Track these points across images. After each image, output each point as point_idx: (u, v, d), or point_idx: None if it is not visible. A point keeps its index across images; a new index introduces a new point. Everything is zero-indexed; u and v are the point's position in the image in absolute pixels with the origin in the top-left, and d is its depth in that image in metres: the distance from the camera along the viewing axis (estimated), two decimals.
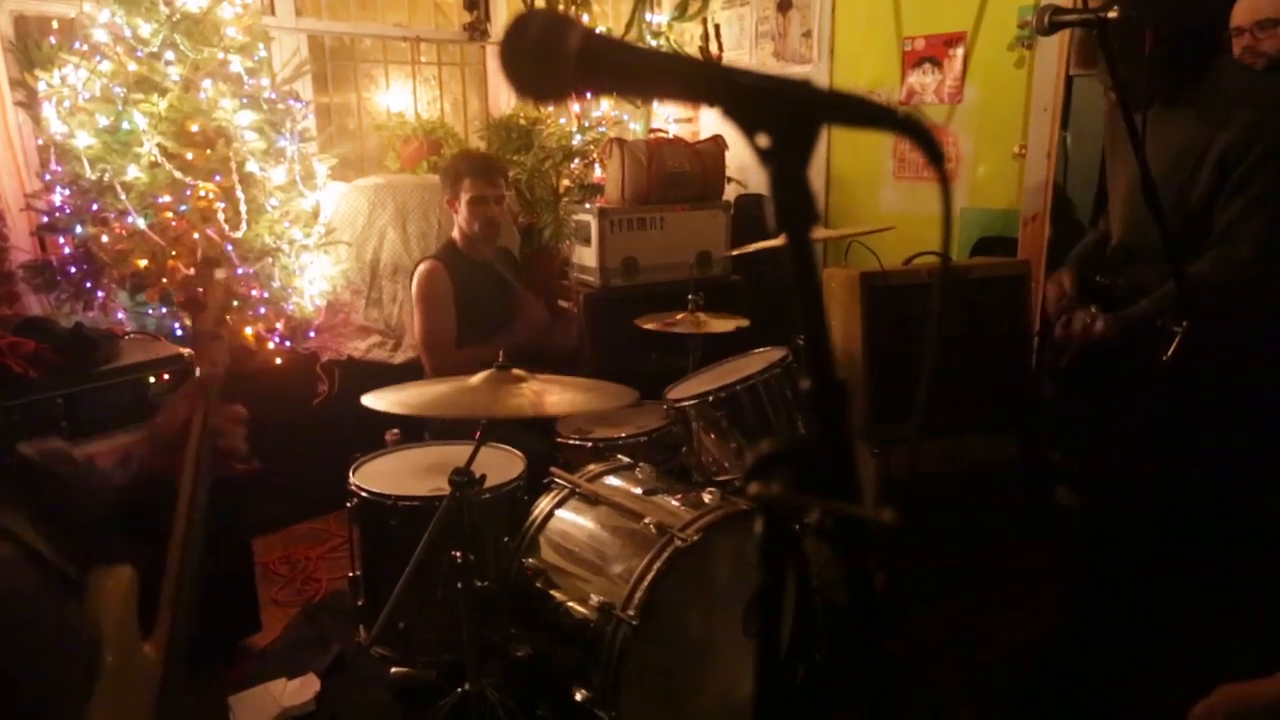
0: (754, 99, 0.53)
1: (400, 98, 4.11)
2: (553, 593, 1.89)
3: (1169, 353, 1.62)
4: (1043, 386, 2.78)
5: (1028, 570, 2.74)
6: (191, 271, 2.76)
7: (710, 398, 2.27)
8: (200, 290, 1.33)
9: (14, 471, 1.11)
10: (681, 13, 4.38)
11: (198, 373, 1.30)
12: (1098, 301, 2.05)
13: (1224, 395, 1.80)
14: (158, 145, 2.70)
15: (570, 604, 1.84)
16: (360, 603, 2.13)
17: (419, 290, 2.80)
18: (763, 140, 0.54)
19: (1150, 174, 1.64)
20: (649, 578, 1.72)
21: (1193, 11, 1.87)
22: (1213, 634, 2.05)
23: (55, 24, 2.95)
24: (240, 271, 2.85)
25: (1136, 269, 2.08)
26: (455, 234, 2.90)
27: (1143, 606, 2.11)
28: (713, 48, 4.29)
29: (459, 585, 1.82)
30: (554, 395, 1.83)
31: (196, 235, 2.77)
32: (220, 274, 1.40)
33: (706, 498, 1.91)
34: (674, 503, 1.93)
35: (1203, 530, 1.96)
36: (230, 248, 2.81)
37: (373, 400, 1.80)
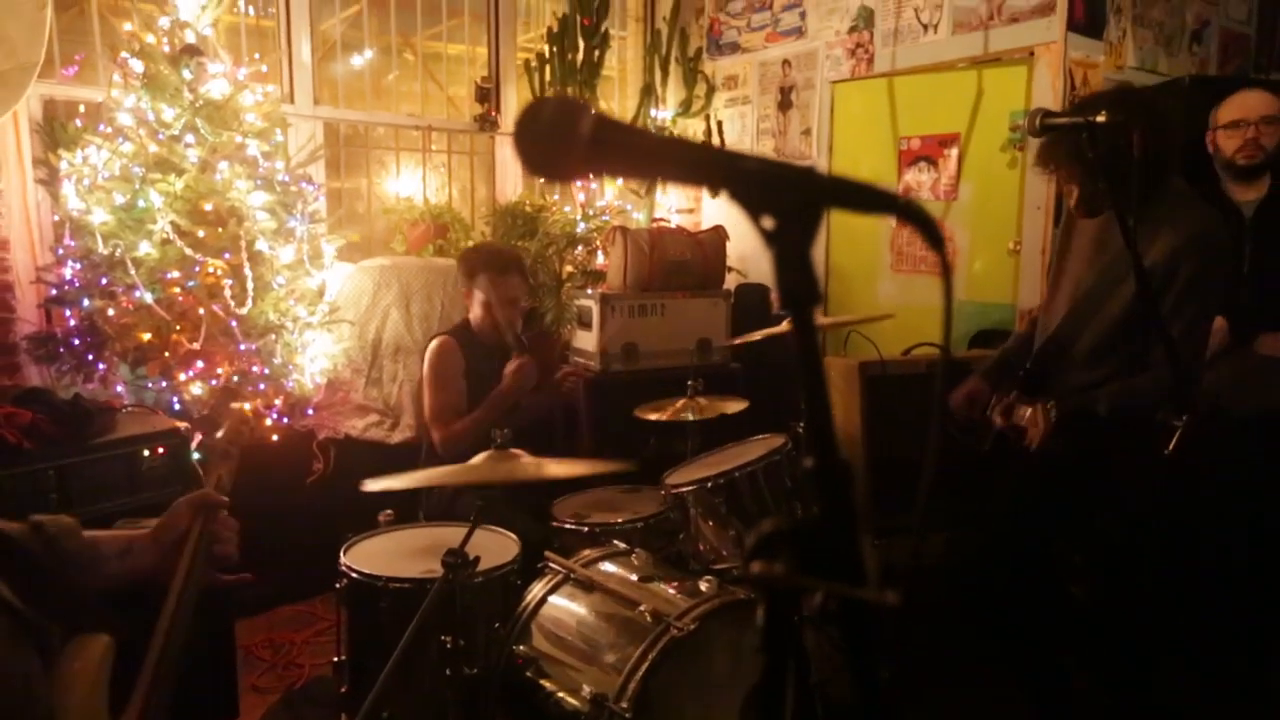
0: (759, 183, 0.55)
1: (410, 184, 4.22)
2: (544, 682, 1.82)
3: (1170, 447, 1.62)
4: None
5: (1020, 666, 2.65)
6: (196, 346, 2.78)
7: (709, 484, 2.25)
8: (217, 413, 1.43)
9: (21, 538, 1.13)
10: (685, 109, 4.56)
11: (205, 486, 1.37)
12: (1027, 392, 2.05)
13: (1226, 487, 1.79)
14: (171, 223, 2.76)
15: (561, 695, 1.78)
16: (344, 689, 2.05)
17: (430, 365, 2.77)
18: (768, 223, 0.55)
19: (1146, 275, 1.68)
20: (643, 668, 1.66)
21: (1171, 120, 1.92)
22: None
23: (82, 108, 3.06)
24: (243, 347, 2.86)
25: (1060, 365, 2.07)
26: (471, 318, 2.89)
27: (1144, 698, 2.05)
28: (715, 143, 4.44)
29: (448, 672, 1.76)
30: (553, 466, 1.82)
31: (202, 311, 2.80)
32: (236, 406, 1.50)
33: (704, 586, 1.87)
34: (670, 590, 1.89)
35: (1207, 618, 1.93)
36: (234, 323, 2.83)
37: (375, 485, 1.78)
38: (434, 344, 2.81)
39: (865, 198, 0.56)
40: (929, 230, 0.55)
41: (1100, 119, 1.63)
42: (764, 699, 0.63)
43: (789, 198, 0.55)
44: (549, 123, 0.56)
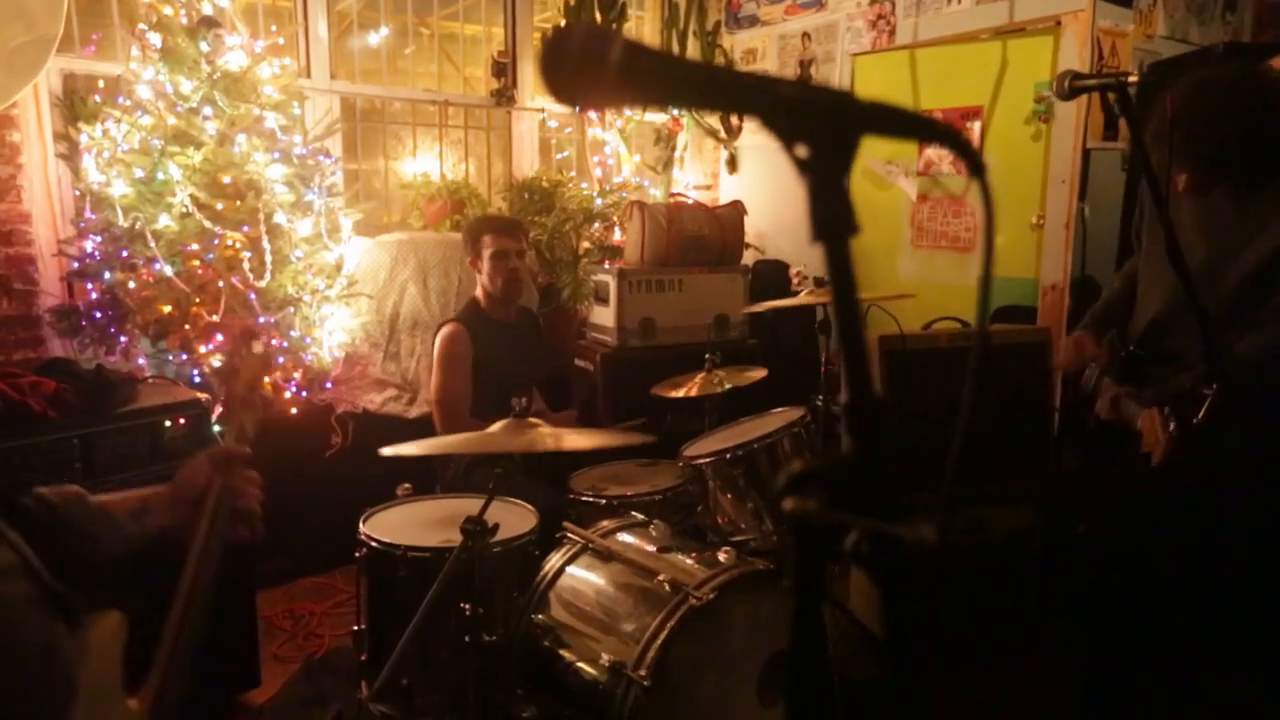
0: (793, 109, 0.53)
1: (426, 161, 4.20)
2: (562, 652, 1.83)
3: (1199, 416, 1.59)
4: (1065, 455, 2.72)
5: (1048, 645, 2.64)
6: (215, 318, 2.79)
7: (727, 455, 2.24)
8: (236, 359, 1.37)
9: (30, 511, 1.11)
10: None
11: (222, 440, 1.31)
12: (1131, 373, 2.01)
13: (1254, 460, 1.75)
14: (190, 196, 2.76)
15: (580, 664, 1.78)
16: (364, 657, 2.07)
17: (439, 351, 2.81)
18: (801, 151, 0.53)
19: (1175, 236, 1.64)
20: (662, 637, 1.66)
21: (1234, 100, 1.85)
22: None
23: (102, 83, 3.06)
24: (261, 320, 2.87)
25: (1174, 340, 2.03)
26: (478, 293, 2.92)
27: (1161, 682, 2.03)
28: (733, 122, 4.39)
29: (466, 639, 1.77)
30: (571, 438, 1.81)
31: (221, 283, 2.81)
32: (258, 348, 1.42)
33: (722, 557, 1.86)
34: (688, 561, 1.88)
35: (1231, 598, 1.90)
36: (253, 296, 2.84)
37: (392, 450, 1.78)
38: (444, 331, 2.83)
39: (902, 123, 0.54)
40: (969, 155, 0.53)
41: (1131, 79, 1.59)
42: (794, 645, 0.62)
43: (824, 124, 0.53)
44: (577, 49, 0.54)
